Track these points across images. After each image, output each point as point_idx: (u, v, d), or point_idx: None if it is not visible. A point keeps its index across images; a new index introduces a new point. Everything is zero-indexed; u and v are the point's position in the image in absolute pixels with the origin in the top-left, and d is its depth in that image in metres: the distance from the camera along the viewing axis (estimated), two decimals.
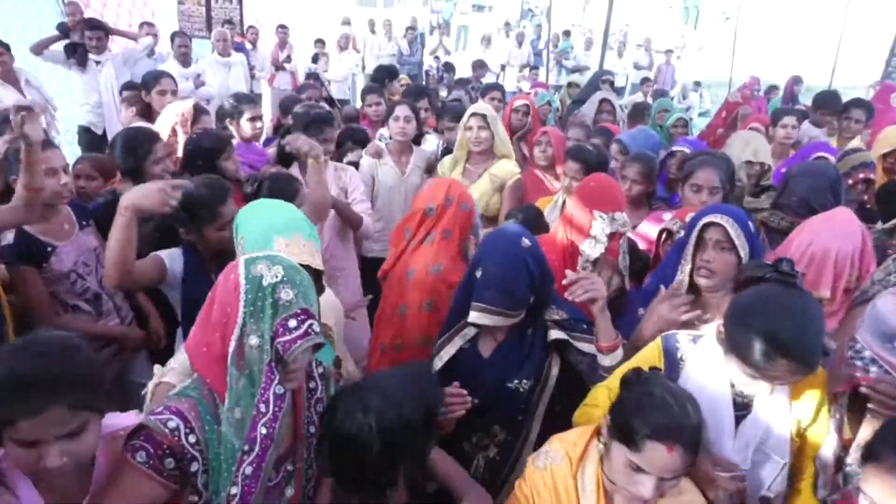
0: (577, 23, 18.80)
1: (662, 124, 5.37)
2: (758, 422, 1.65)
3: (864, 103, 4.77)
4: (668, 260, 2.27)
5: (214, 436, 1.41)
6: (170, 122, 3.42)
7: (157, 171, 2.76)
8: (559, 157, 3.73)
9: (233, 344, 1.37)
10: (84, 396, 1.24)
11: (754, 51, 16.21)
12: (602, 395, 1.84)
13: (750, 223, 2.01)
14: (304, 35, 10.19)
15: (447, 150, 4.23)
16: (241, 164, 3.28)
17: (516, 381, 1.96)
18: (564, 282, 1.93)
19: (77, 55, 5.76)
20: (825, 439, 1.63)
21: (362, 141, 4.25)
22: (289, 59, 9.04)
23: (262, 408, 1.37)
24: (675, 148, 3.77)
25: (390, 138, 4.02)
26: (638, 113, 5.91)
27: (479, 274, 1.92)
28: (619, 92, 10.55)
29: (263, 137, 4.12)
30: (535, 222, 3.11)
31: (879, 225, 2.95)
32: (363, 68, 11.73)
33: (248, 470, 1.38)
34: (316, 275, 1.82)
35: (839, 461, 1.60)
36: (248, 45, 8.51)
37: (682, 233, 2.38)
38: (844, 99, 5.10)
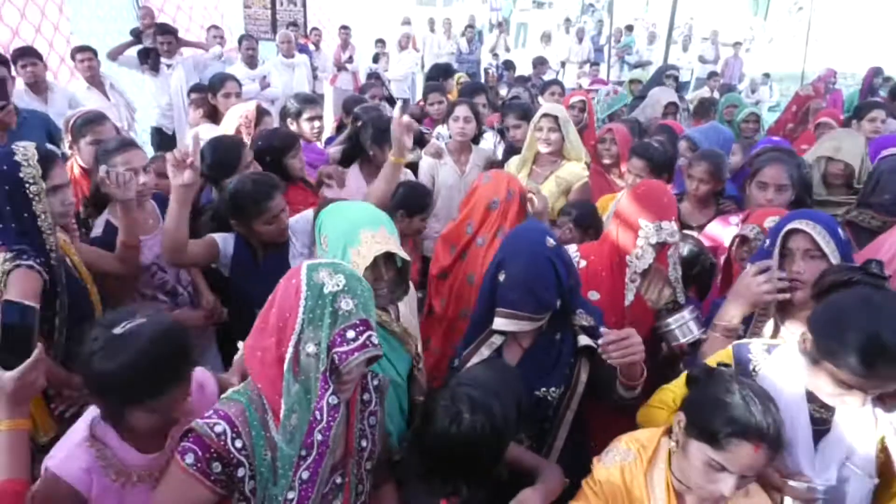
0: (640, 16, 18.35)
1: (731, 120, 5.17)
2: (841, 439, 1.56)
3: None
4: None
5: (262, 441, 1.40)
6: (234, 123, 3.52)
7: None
8: (624, 155, 3.64)
9: (290, 350, 1.36)
10: (190, 369, 1.50)
11: (829, 41, 15.47)
12: (668, 397, 1.81)
13: (840, 230, 1.85)
14: (366, 35, 10.33)
15: (510, 149, 4.18)
16: None
17: (544, 389, 1.88)
18: (600, 341, 1.69)
19: (150, 60, 6.01)
20: None
21: (418, 140, 4.27)
22: (350, 59, 9.18)
23: (318, 415, 1.37)
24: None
25: (449, 137, 4.01)
26: (704, 109, 5.72)
27: (502, 277, 1.84)
28: (684, 87, 10.24)
29: (325, 136, 4.18)
30: (589, 220, 3.05)
31: None
32: (423, 67, 11.79)
33: (305, 475, 1.39)
34: (404, 266, 1.90)
35: None
36: (312, 47, 8.68)
37: (760, 239, 2.28)
38: None
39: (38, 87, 4.53)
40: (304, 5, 9.16)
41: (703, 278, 2.62)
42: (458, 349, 2.03)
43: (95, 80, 5.27)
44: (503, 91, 6.78)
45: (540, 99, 5.72)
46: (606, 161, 3.80)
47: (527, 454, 1.77)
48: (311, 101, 3.96)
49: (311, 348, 1.36)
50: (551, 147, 3.52)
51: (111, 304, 2.49)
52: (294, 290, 1.39)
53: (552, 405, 1.89)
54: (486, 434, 1.49)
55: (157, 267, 2.67)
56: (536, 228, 1.97)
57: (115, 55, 6.05)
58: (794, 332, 1.82)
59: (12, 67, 4.27)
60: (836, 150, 3.26)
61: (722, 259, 2.50)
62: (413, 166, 3.82)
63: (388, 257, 1.87)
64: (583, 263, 2.35)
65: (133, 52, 6.10)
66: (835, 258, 1.78)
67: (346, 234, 1.82)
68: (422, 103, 6.03)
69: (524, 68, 9.56)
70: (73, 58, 5.29)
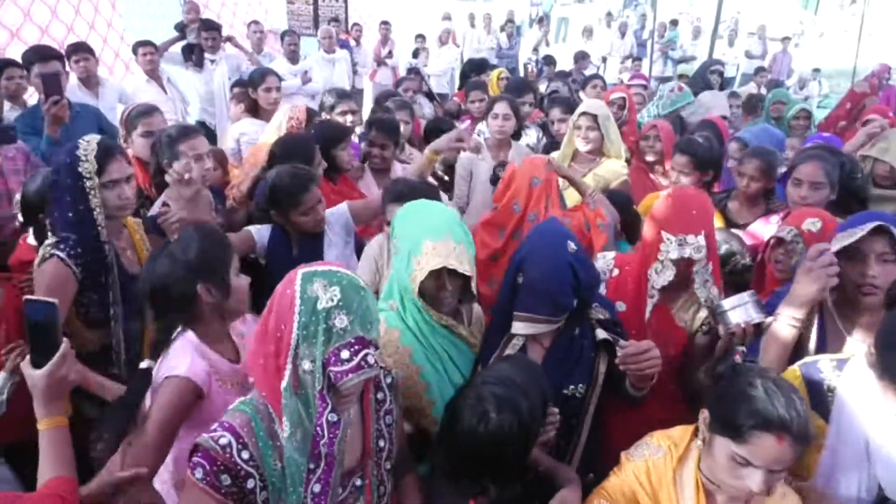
0: (684, 11, 17.97)
1: (779, 116, 5.03)
2: None
3: None
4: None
5: (270, 452, 1.37)
6: (282, 122, 3.58)
7: (320, 171, 3.02)
8: (668, 153, 3.58)
9: (288, 368, 1.32)
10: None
11: (883, 36, 14.91)
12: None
13: None
14: (406, 31, 10.36)
15: (551, 144, 4.16)
16: None
17: (571, 387, 1.87)
18: (619, 353, 1.71)
19: (194, 55, 6.14)
20: None
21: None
22: (390, 54, 9.22)
23: (319, 431, 1.34)
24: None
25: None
26: (751, 105, 5.58)
27: (521, 280, 1.82)
28: (729, 83, 10.00)
29: (360, 131, 4.22)
30: (625, 212, 3.00)
31: None
32: (462, 62, 11.78)
33: (317, 488, 1.38)
34: (465, 280, 1.84)
35: None
36: (352, 42, 8.74)
37: (797, 242, 2.22)
38: None
39: (89, 81, 4.67)
40: (345, 1, 9.23)
41: (735, 279, 2.56)
42: (482, 351, 2.00)
43: (154, 74, 5.46)
44: (542, 87, 6.73)
45: (581, 94, 5.66)
46: (650, 158, 3.74)
47: (542, 456, 1.73)
48: (345, 95, 4.04)
49: (306, 365, 1.32)
50: (590, 145, 3.49)
51: None
52: (289, 301, 1.33)
53: (579, 401, 1.89)
54: (513, 432, 1.47)
55: None
56: (558, 232, 1.92)
57: (161, 51, 6.20)
58: (861, 341, 1.75)
59: (66, 63, 4.42)
60: (884, 151, 3.16)
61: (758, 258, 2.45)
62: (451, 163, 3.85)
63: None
64: (615, 272, 2.26)
65: (177, 48, 6.24)
66: None
67: (411, 242, 1.82)
68: (457, 97, 6.04)
69: (565, 63, 9.47)
70: (134, 52, 5.49)
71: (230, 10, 8.33)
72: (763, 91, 7.03)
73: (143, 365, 1.76)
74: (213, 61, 6.17)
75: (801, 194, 2.71)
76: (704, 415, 1.49)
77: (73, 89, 4.43)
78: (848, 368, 1.57)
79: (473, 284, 1.88)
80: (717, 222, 3.10)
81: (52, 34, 5.66)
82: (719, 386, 1.51)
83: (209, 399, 1.72)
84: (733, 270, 2.53)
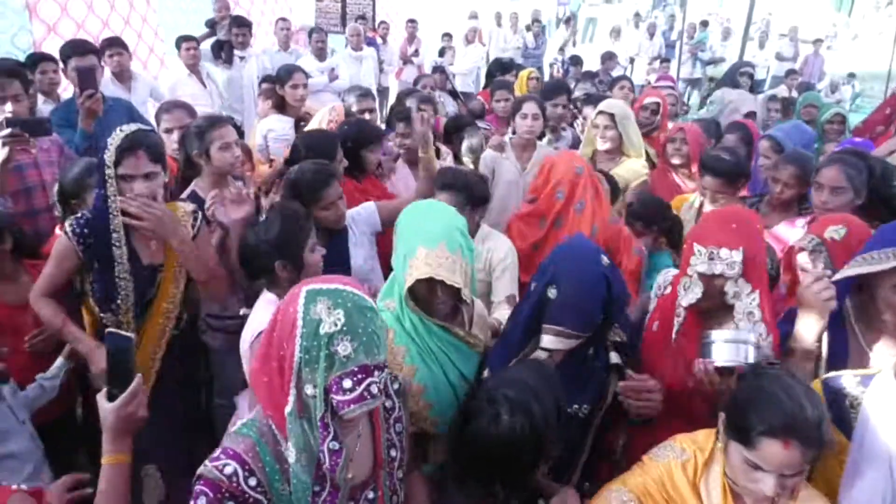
0: (713, 12, 17.73)
1: (811, 120, 4.94)
2: None
3: None
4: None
5: (277, 476, 1.34)
6: (325, 122, 3.64)
7: (341, 168, 3.04)
8: (695, 156, 3.55)
9: (292, 392, 1.28)
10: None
11: None
12: None
13: None
14: (433, 29, 10.37)
15: (577, 142, 4.16)
16: None
17: (576, 406, 1.83)
18: (621, 384, 1.73)
19: (224, 52, 6.22)
20: None
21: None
22: (416, 52, 9.24)
23: (322, 457, 1.30)
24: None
25: (513, 133, 3.99)
26: (784, 108, 5.49)
27: (552, 293, 1.75)
28: (759, 85, 9.85)
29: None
30: (653, 214, 2.99)
31: None
32: (488, 61, 11.76)
33: None
34: (455, 290, 1.81)
35: None
36: (379, 40, 8.78)
37: (820, 251, 2.15)
38: None
39: (122, 76, 4.76)
40: None
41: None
42: (490, 361, 1.96)
43: (195, 69, 5.59)
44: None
45: (611, 99, 5.62)
46: (676, 161, 3.70)
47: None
48: (365, 94, 4.08)
49: (309, 390, 1.28)
50: (608, 144, 3.51)
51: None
52: (291, 321, 1.28)
53: (583, 421, 1.86)
54: (525, 435, 1.44)
55: None
56: (590, 246, 1.90)
57: None
58: (883, 353, 1.71)
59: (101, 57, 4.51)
60: None
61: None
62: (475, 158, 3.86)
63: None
64: (668, 290, 2.06)
65: (206, 45, 6.33)
66: None
67: (408, 245, 1.83)
68: (481, 96, 6.03)
69: (591, 64, 9.41)
70: (177, 46, 5.62)
71: (258, 9, 8.42)
72: (794, 94, 6.92)
73: (243, 311, 2.20)
74: (242, 58, 6.25)
75: (822, 199, 2.68)
76: (722, 418, 1.49)
77: (107, 83, 4.51)
78: (874, 384, 1.53)
79: (465, 293, 1.85)
80: None
81: (87, 29, 5.77)
82: (736, 388, 1.51)
83: None
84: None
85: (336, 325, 1.24)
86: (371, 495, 1.49)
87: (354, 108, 3.89)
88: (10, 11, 5.14)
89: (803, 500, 1.44)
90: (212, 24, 6.42)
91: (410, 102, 4.04)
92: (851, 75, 11.42)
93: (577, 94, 5.58)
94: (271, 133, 4.18)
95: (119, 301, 2.26)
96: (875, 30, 18.87)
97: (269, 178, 3.42)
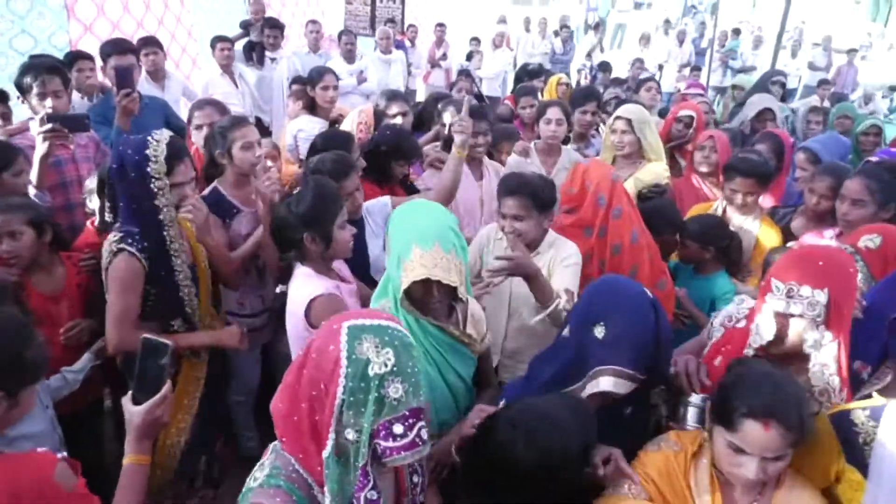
0: (745, 19, 17.50)
1: (845, 131, 4.86)
2: None
3: None
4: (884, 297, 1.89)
5: None
6: (355, 123, 3.70)
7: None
8: (724, 164, 3.53)
9: (331, 436, 1.19)
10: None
11: None
12: None
13: None
14: (461, 33, 10.40)
15: None
16: None
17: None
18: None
19: (255, 53, 6.31)
20: None
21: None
22: (444, 56, 9.28)
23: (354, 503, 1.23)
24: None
25: (538, 138, 3.99)
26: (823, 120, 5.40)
27: (599, 333, 1.62)
28: (790, 94, 9.71)
29: None
30: (713, 236, 2.89)
31: None
32: (515, 66, 11.75)
33: None
34: (450, 288, 1.83)
35: None
36: (408, 43, 8.83)
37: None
38: None
39: (157, 74, 4.86)
40: (402, 2, 9.33)
41: None
42: (506, 392, 1.89)
43: (229, 69, 5.71)
44: None
45: (629, 105, 5.57)
46: (703, 169, 3.67)
47: None
48: (397, 97, 4.12)
49: (350, 434, 1.19)
50: (626, 149, 3.51)
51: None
52: (333, 360, 1.18)
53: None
54: (534, 469, 1.37)
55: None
56: (628, 280, 1.84)
57: None
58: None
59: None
60: None
61: None
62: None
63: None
64: (741, 324, 1.90)
65: (238, 46, 6.42)
66: None
67: (401, 245, 1.82)
68: (508, 100, 6.03)
69: (620, 70, 9.36)
70: (212, 46, 5.74)
71: (289, 11, 8.52)
72: (826, 104, 6.81)
73: (279, 289, 2.38)
74: (273, 59, 6.33)
75: (843, 210, 2.67)
76: (708, 405, 1.54)
77: (141, 82, 4.62)
78: (886, 416, 1.46)
79: (461, 291, 1.86)
80: (774, 238, 3.01)
81: (122, 29, 5.88)
82: (723, 377, 1.54)
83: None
84: None
85: (386, 365, 1.17)
86: None
87: (389, 112, 3.93)
88: (48, 11, 5.27)
89: (789, 488, 1.47)
90: (246, 26, 6.51)
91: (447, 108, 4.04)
92: (893, 88, 11.10)
93: (606, 98, 5.55)
94: (301, 133, 4.23)
95: (187, 308, 2.34)
96: None
97: (298, 178, 3.47)
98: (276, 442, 1.32)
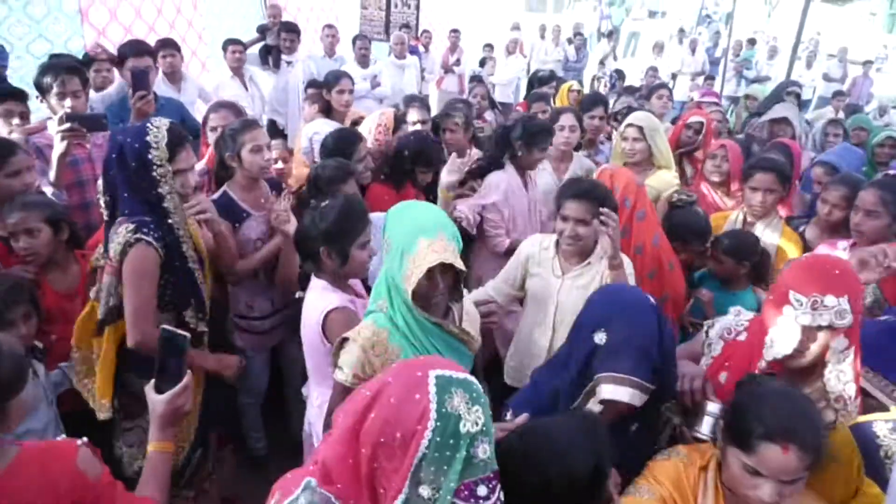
0: (759, 30, 17.45)
1: (860, 143, 4.83)
2: None
3: None
4: None
5: None
6: (374, 127, 3.73)
7: (360, 167, 3.17)
8: (735, 174, 3.52)
9: (404, 493, 1.10)
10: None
11: None
12: None
13: None
14: (475, 39, 10.43)
15: None
16: None
17: None
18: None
19: (272, 56, 6.36)
20: None
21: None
22: (458, 62, 9.30)
23: None
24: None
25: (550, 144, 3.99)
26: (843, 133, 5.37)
27: (601, 339, 1.61)
28: (805, 105, 9.65)
29: None
30: (745, 251, 2.85)
31: None
32: (528, 73, 11.76)
33: None
34: (454, 278, 1.89)
35: None
36: (421, 49, 8.86)
37: None
38: None
39: (173, 76, 4.91)
40: (417, 8, 9.37)
41: None
42: (514, 401, 1.84)
43: (239, 72, 5.77)
44: (611, 101, 6.66)
45: (640, 112, 5.57)
46: (715, 178, 3.66)
47: None
48: (421, 105, 4.17)
49: (425, 491, 1.10)
50: (636, 157, 3.53)
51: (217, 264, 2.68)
52: (419, 410, 1.11)
53: None
54: (540, 496, 1.32)
55: (261, 242, 2.87)
56: (632, 287, 1.88)
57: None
58: None
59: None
60: None
61: None
62: None
63: (445, 265, 1.80)
64: (742, 336, 1.86)
65: (254, 49, 6.47)
66: None
67: (405, 240, 1.81)
68: (520, 107, 6.04)
69: (633, 78, 9.35)
70: (224, 48, 5.79)
71: (304, 15, 8.58)
72: (841, 115, 6.77)
73: (298, 294, 2.39)
74: (289, 63, 6.37)
75: (856, 221, 2.66)
76: (720, 425, 1.51)
77: (159, 83, 4.66)
78: None
79: (461, 280, 1.91)
80: (795, 249, 3.00)
81: (134, 33, 5.94)
82: (735, 395, 1.50)
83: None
84: None
85: (478, 423, 1.12)
86: None
87: (409, 118, 3.98)
88: (64, 17, 5.35)
89: (796, 502, 1.44)
90: (263, 30, 6.55)
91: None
92: None
93: (617, 107, 5.55)
94: (316, 136, 4.24)
95: (202, 294, 2.34)
96: None
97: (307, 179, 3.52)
98: (309, 479, 1.22)
